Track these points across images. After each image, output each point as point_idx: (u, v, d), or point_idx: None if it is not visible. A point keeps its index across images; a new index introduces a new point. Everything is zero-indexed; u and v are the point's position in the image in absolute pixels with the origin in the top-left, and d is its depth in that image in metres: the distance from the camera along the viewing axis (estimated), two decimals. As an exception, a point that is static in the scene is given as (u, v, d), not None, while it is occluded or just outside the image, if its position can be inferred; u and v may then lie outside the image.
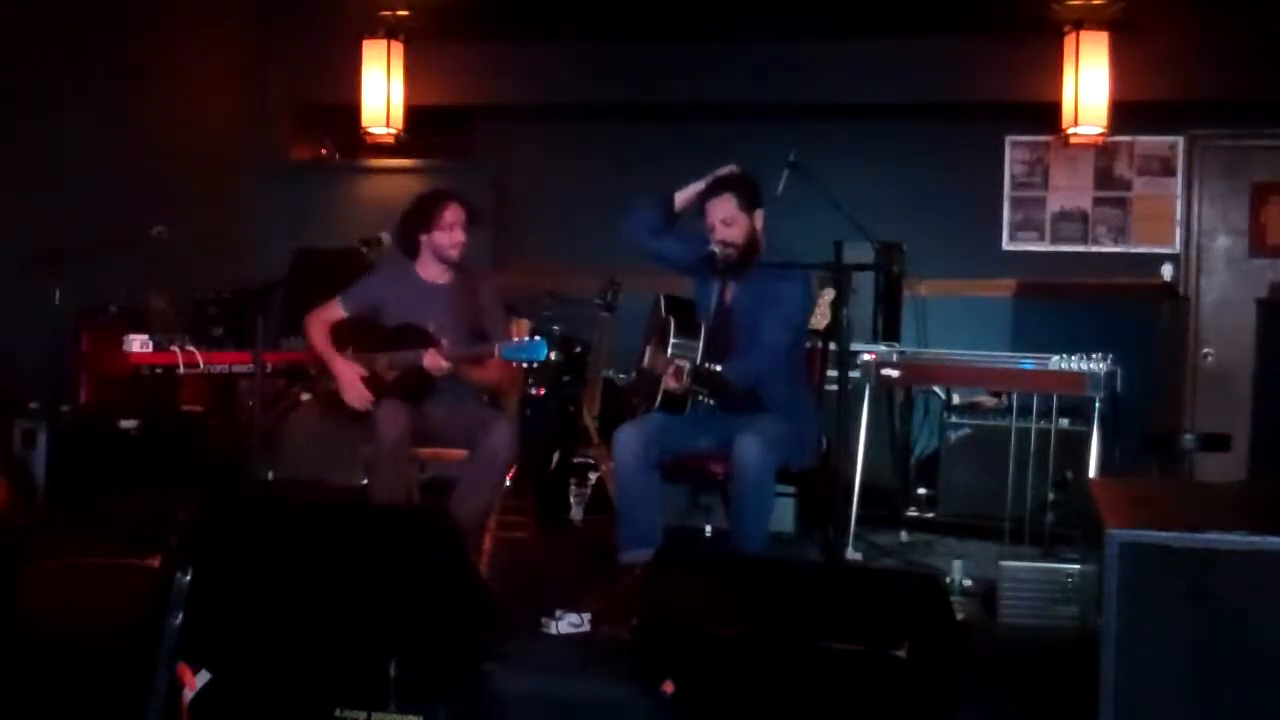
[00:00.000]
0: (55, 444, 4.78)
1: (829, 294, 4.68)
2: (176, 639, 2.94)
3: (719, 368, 3.90)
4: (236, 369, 5.03)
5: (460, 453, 4.24)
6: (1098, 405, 4.67)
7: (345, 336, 4.41)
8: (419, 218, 4.37)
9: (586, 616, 3.64)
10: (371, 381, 4.29)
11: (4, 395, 4.88)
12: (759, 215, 4.19)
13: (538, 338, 4.12)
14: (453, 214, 4.33)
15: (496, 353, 4.15)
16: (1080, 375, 4.64)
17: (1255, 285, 6.42)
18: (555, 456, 5.45)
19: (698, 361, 4.01)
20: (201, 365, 4.84)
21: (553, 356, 5.20)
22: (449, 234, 4.33)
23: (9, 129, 5.29)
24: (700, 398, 4.02)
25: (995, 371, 5.01)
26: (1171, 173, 6.85)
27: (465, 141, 7.58)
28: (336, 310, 4.42)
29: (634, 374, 4.59)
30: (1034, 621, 3.82)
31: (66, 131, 5.59)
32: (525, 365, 4.16)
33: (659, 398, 4.11)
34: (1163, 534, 2.62)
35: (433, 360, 4.16)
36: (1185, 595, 2.58)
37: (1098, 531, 2.70)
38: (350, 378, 4.28)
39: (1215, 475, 5.78)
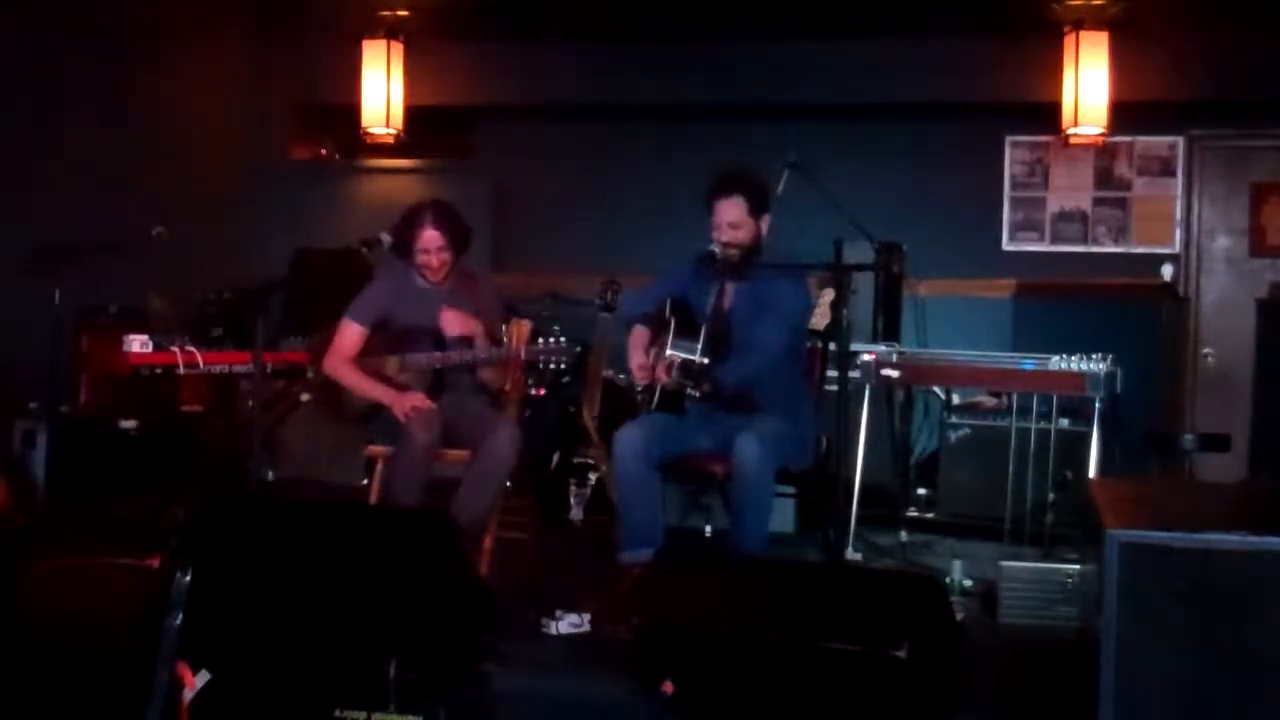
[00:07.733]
0: (55, 444, 4.77)
1: (829, 294, 4.68)
2: (176, 639, 2.94)
3: (706, 360, 3.91)
4: (236, 369, 5.02)
5: (462, 453, 4.24)
6: (1098, 405, 4.67)
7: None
8: (402, 236, 4.32)
9: (586, 616, 3.64)
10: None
11: (4, 395, 4.87)
12: (765, 220, 4.21)
13: (563, 339, 4.16)
14: (428, 238, 4.25)
15: (520, 355, 4.21)
16: (1080, 375, 4.64)
17: (1255, 285, 6.42)
18: (555, 456, 5.45)
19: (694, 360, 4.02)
20: (201, 365, 4.83)
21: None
22: (425, 257, 4.28)
23: (9, 129, 5.29)
24: (689, 392, 4.02)
25: (995, 372, 5.00)
26: (1171, 173, 6.85)
27: (465, 142, 7.58)
28: (353, 330, 4.34)
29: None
30: (1034, 621, 3.82)
31: (67, 131, 5.59)
32: (542, 364, 4.19)
33: (656, 396, 4.12)
34: (1162, 534, 2.62)
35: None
36: (1185, 595, 2.58)
37: (1098, 531, 2.70)
38: (400, 398, 4.19)
39: (1215, 475, 5.77)
